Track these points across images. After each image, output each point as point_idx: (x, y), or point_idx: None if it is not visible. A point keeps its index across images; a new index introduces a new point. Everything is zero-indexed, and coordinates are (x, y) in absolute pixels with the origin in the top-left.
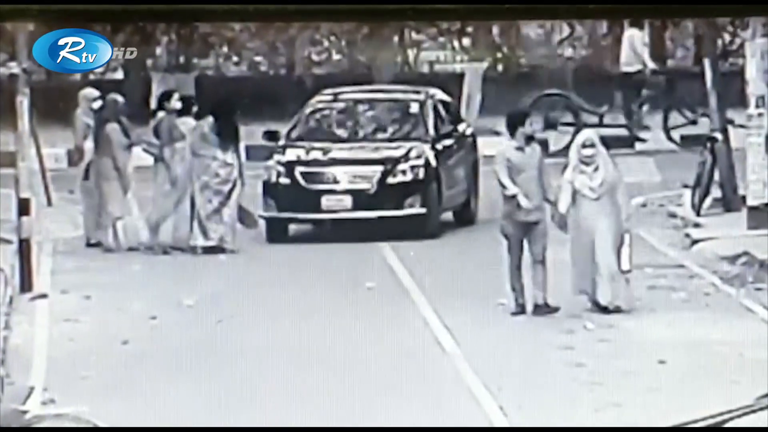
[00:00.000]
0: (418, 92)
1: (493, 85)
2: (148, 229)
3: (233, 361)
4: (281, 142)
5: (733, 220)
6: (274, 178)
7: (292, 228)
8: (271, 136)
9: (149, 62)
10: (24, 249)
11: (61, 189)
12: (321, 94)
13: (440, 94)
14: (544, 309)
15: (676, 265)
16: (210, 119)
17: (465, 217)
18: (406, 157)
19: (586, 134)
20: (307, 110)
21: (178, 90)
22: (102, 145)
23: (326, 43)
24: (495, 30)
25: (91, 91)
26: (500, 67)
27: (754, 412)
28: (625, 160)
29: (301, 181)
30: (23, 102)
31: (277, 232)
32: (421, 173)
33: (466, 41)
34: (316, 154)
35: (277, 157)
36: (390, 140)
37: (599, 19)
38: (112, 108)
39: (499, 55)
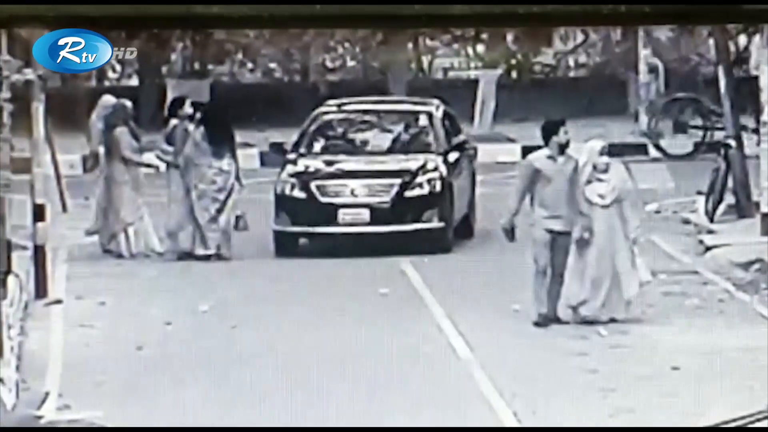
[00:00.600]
0: (425, 104)
1: (507, 91)
2: (166, 236)
3: (247, 366)
4: (291, 155)
5: (747, 227)
6: (288, 191)
7: (302, 242)
8: (278, 148)
9: (164, 69)
10: (39, 255)
11: (76, 195)
12: (326, 105)
13: (443, 106)
14: (553, 321)
15: (689, 272)
16: (201, 127)
17: (465, 229)
18: (423, 169)
19: (600, 142)
20: (314, 121)
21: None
22: (111, 150)
23: (340, 50)
24: (509, 37)
25: (109, 98)
26: (514, 74)
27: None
28: (639, 167)
29: (317, 195)
30: (39, 108)
31: (287, 247)
32: (438, 186)
33: (480, 48)
34: (331, 167)
35: (289, 169)
36: (403, 152)
37: (614, 25)
38: (121, 113)
39: (513, 61)
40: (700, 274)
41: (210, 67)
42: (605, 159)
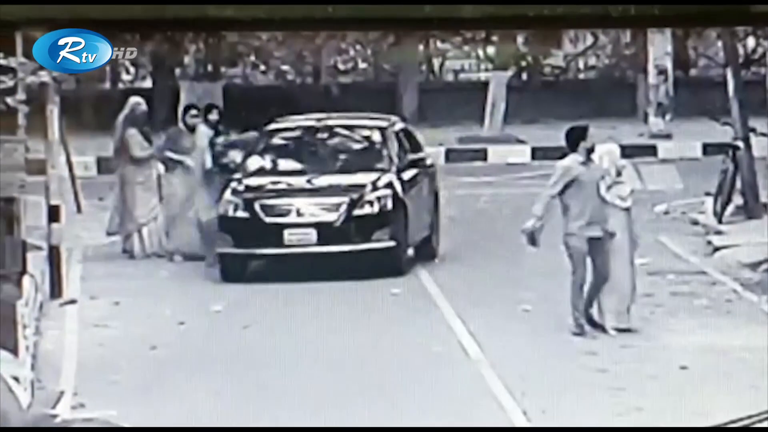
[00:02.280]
0: (380, 119)
1: (517, 93)
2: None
3: (261, 365)
4: (236, 174)
5: (755, 228)
6: (231, 212)
7: (252, 265)
8: (224, 167)
9: (177, 71)
10: (54, 255)
11: (90, 196)
12: (275, 121)
13: (401, 123)
14: (599, 330)
15: (698, 272)
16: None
17: (426, 252)
18: (373, 186)
19: (614, 145)
20: (261, 138)
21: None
22: (122, 151)
23: (352, 52)
24: (519, 39)
25: (137, 99)
26: (524, 76)
27: None
28: (649, 168)
29: (261, 215)
30: (53, 110)
31: (234, 270)
32: (389, 204)
33: (490, 50)
34: (276, 186)
35: (232, 188)
36: (354, 170)
37: (623, 27)
38: (132, 114)
39: (523, 63)
40: (708, 274)
41: (223, 69)
42: (623, 161)
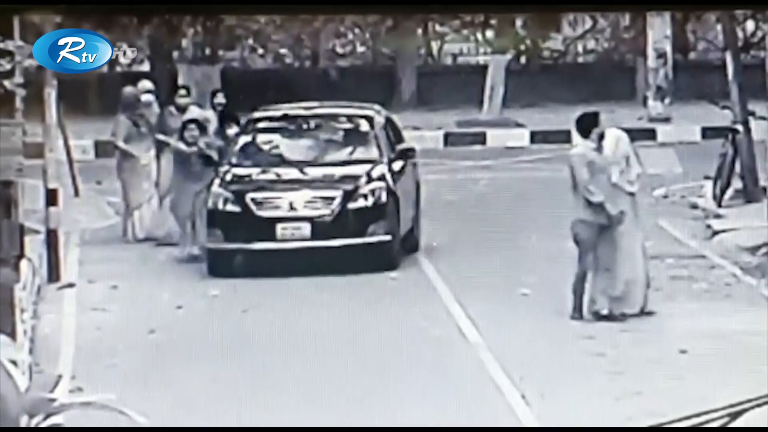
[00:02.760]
0: (366, 108)
1: (516, 76)
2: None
3: (259, 349)
4: (223, 166)
5: (754, 211)
6: (221, 205)
7: (241, 259)
8: (208, 159)
9: (175, 54)
10: (52, 239)
11: (88, 180)
12: (259, 110)
13: (384, 111)
14: (610, 318)
15: (697, 256)
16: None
17: (410, 243)
18: (368, 178)
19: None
20: (246, 128)
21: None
22: (116, 137)
23: (350, 36)
24: (518, 22)
25: (144, 83)
26: (523, 59)
27: None
28: (648, 151)
29: (253, 208)
30: (51, 94)
31: (221, 265)
32: (384, 196)
33: (489, 33)
34: (267, 177)
35: (221, 181)
36: (345, 162)
37: (622, 11)
38: (123, 100)
39: (522, 47)
40: (707, 258)
41: (221, 52)
42: (630, 147)
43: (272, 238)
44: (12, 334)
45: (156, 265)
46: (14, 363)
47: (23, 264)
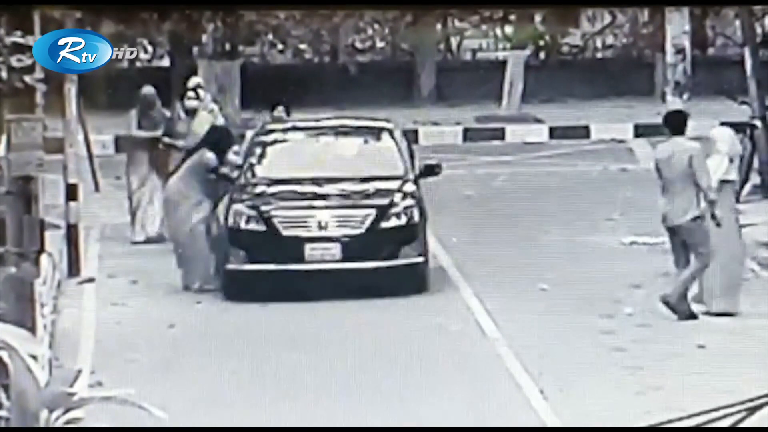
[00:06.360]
0: (382, 120)
1: (535, 72)
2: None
3: (278, 344)
4: (241, 181)
5: None
6: (243, 224)
7: (260, 282)
8: (222, 175)
9: (195, 50)
10: (72, 234)
11: (108, 175)
12: (272, 122)
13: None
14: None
15: None
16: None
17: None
18: (402, 195)
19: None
20: (259, 141)
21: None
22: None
23: (370, 31)
24: (537, 18)
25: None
26: (542, 55)
27: None
28: None
29: (280, 228)
30: (71, 89)
31: (241, 288)
32: (416, 215)
33: (508, 29)
34: (293, 195)
35: (241, 197)
36: (371, 178)
37: (640, 6)
38: (137, 101)
39: (541, 42)
40: None
41: (240, 48)
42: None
43: (300, 259)
44: (32, 329)
45: (175, 260)
46: (34, 357)
47: (43, 259)
